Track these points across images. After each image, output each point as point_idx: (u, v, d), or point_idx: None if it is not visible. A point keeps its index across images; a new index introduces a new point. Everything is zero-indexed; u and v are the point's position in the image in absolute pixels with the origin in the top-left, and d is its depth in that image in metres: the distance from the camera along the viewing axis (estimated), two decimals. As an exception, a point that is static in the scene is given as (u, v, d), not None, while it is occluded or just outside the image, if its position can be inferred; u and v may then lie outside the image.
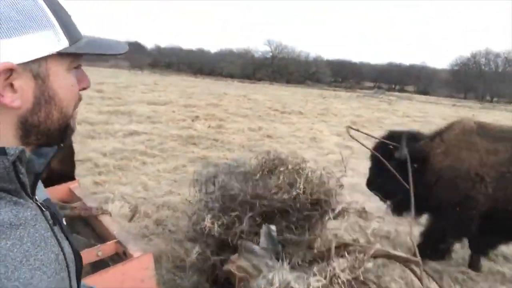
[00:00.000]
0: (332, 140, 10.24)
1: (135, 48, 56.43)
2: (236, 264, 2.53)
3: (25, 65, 0.60)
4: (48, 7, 0.62)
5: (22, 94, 0.62)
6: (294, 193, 2.54)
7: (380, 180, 3.72)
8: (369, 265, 2.02)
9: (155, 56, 57.23)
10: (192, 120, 11.28)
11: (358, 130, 3.76)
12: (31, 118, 0.64)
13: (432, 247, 3.53)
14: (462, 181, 3.36)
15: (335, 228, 2.97)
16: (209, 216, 2.88)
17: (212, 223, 2.81)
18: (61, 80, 0.66)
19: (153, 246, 3.81)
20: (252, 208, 2.75)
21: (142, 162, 6.81)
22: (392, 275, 2.81)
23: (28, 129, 0.65)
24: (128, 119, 10.58)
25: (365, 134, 3.72)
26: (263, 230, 2.58)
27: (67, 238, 0.77)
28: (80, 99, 0.73)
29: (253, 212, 2.74)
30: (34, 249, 0.63)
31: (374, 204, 4.65)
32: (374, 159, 3.81)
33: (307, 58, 55.29)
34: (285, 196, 2.59)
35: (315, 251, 2.58)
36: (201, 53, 57.61)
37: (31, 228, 0.64)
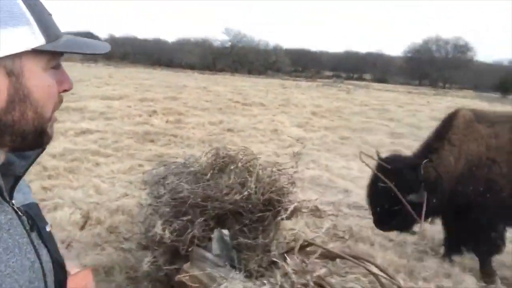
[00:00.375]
0: (293, 132, 10.22)
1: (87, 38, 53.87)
2: (189, 273, 2.38)
3: None
4: (24, 3, 0.60)
5: None
6: (246, 193, 2.41)
7: (393, 220, 3.48)
8: (322, 271, 1.92)
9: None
10: (149, 115, 10.88)
11: (371, 157, 3.56)
12: (4, 117, 0.62)
13: (487, 242, 3.52)
14: (479, 169, 3.43)
15: (291, 229, 2.87)
16: (160, 221, 2.70)
17: (164, 230, 2.64)
18: (37, 79, 0.63)
19: (105, 256, 3.58)
20: (204, 211, 2.59)
21: (94, 163, 6.44)
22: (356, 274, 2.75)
23: (1, 129, 0.62)
24: (80, 116, 10.04)
25: (380, 162, 3.49)
26: (215, 235, 2.43)
27: (46, 246, 0.74)
28: (60, 101, 0.70)
29: (205, 216, 2.58)
30: (5, 255, 0.61)
31: (332, 198, 4.64)
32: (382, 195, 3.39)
33: (266, 47, 55.20)
34: (237, 197, 2.44)
35: (273, 253, 2.46)
36: (157, 42, 55.60)
37: (4, 232, 0.62)
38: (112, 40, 55.71)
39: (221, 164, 2.70)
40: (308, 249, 2.52)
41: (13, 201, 0.69)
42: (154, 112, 11.39)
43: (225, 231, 2.48)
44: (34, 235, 0.70)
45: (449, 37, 57.87)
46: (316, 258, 2.08)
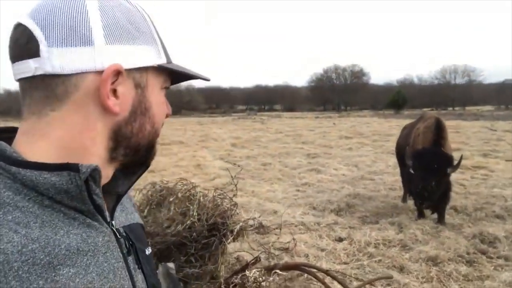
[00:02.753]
0: (216, 165, 10.30)
1: (-23, 96, 48.80)
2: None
3: (129, 72, 0.61)
4: (153, 25, 0.66)
5: (122, 101, 0.61)
6: (189, 222, 2.43)
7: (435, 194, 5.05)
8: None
9: (6, 103, 50.19)
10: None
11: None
12: (125, 128, 0.62)
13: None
14: None
15: (237, 251, 2.92)
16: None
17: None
18: (156, 95, 0.66)
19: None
20: (145, 248, 2.53)
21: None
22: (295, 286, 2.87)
23: (119, 140, 0.63)
24: None
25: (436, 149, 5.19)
26: (161, 270, 2.39)
27: (143, 271, 0.69)
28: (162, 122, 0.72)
29: (147, 252, 2.53)
30: (99, 281, 0.57)
31: (264, 220, 4.78)
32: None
33: (178, 87, 55.27)
34: (180, 228, 2.45)
35: (221, 279, 2.49)
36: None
37: (100, 256, 0.59)
38: (8, 96, 51.06)
39: (159, 198, 2.69)
40: (254, 268, 2.59)
41: (113, 222, 0.66)
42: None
43: (170, 264, 2.44)
44: (131, 259, 0.66)
45: (346, 65, 63.78)
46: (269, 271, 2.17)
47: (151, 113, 0.65)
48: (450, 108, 50.49)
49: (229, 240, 2.48)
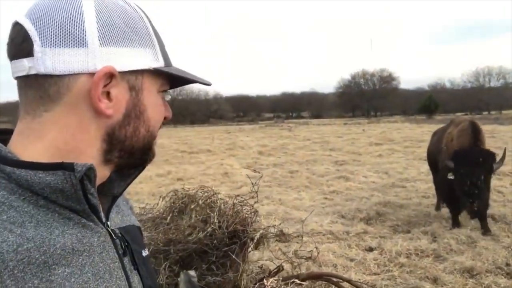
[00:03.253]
0: (243, 173, 10.27)
1: None
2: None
3: (123, 75, 0.61)
4: (152, 28, 0.65)
5: (116, 104, 0.61)
6: (210, 229, 2.39)
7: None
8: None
9: None
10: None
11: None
12: (118, 131, 0.62)
13: None
14: None
15: (259, 259, 2.86)
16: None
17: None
18: (152, 99, 0.65)
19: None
20: (166, 256, 2.51)
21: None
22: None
23: (113, 143, 0.62)
24: None
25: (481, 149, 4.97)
26: (182, 278, 2.36)
27: (139, 272, 0.69)
28: (161, 125, 0.71)
29: (168, 261, 2.51)
30: (95, 281, 0.57)
31: (291, 229, 4.69)
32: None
33: (206, 96, 56.17)
34: (201, 235, 2.42)
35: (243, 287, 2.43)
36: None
37: (96, 256, 0.59)
38: None
39: (181, 205, 2.67)
40: (277, 277, 2.52)
41: (108, 223, 0.66)
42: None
43: (192, 272, 2.41)
44: (126, 260, 0.67)
45: (374, 70, 62.73)
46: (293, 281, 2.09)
47: (146, 116, 0.64)
48: (485, 112, 48.49)
49: (250, 248, 2.41)
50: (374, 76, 62.08)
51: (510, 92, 51.29)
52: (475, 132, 5.06)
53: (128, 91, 0.61)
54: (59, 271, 0.53)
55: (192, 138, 21.60)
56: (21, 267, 0.50)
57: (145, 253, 0.74)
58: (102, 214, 0.64)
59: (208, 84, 0.72)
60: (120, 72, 0.59)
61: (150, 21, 0.65)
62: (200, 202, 2.58)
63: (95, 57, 0.57)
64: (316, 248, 2.72)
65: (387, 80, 61.68)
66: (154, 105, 0.65)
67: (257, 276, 2.66)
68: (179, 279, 2.38)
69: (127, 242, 0.68)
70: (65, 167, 0.55)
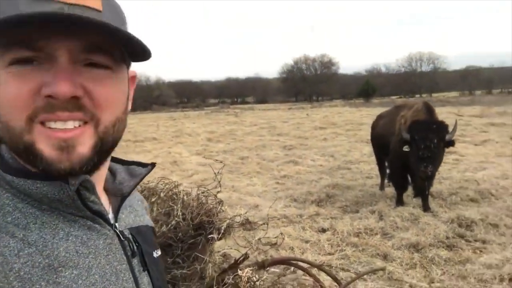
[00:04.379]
0: (193, 160, 10.14)
1: None
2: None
3: None
4: None
5: None
6: (173, 222, 2.33)
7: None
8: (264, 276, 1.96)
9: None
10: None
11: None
12: None
13: None
14: None
15: (223, 249, 2.85)
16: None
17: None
18: None
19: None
20: (128, 252, 2.41)
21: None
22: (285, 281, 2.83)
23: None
24: None
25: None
26: (147, 273, 2.28)
27: (149, 273, 0.67)
28: (49, 107, 0.50)
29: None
30: (101, 283, 0.57)
31: (252, 212, 4.73)
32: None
33: (148, 82, 54.13)
34: (164, 229, 2.35)
35: (207, 279, 2.41)
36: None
37: (102, 258, 0.58)
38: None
39: (140, 198, 2.56)
40: (242, 265, 2.52)
41: (116, 224, 0.64)
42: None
43: (157, 267, 2.34)
44: (135, 261, 0.65)
45: (315, 55, 64.30)
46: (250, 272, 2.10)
47: None
48: (418, 96, 51.96)
49: (215, 238, 2.39)
50: (315, 61, 63.65)
51: (439, 76, 55.40)
52: (430, 111, 5.44)
53: None
54: (66, 273, 0.53)
55: (135, 125, 20.77)
56: (26, 269, 0.50)
57: (156, 254, 0.72)
58: (109, 216, 0.63)
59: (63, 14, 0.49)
60: None
61: None
62: (162, 194, 2.50)
63: None
64: (282, 234, 2.77)
65: (327, 65, 63.57)
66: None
67: (221, 265, 2.65)
68: (143, 275, 2.29)
69: (137, 242, 0.67)
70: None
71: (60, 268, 0.53)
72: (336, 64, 63.92)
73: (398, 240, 4.43)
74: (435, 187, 6.31)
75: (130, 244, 0.65)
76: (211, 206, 2.43)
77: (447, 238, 4.43)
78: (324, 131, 15.33)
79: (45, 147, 0.52)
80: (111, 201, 0.68)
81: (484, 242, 4.34)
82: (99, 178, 0.63)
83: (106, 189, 0.68)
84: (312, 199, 6.22)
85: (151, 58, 0.61)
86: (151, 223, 0.78)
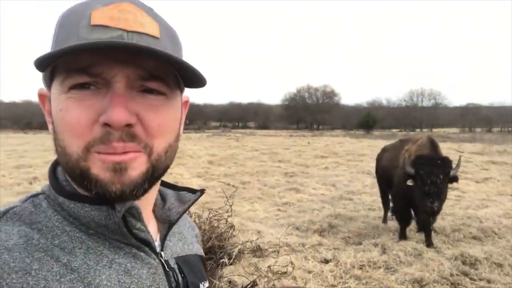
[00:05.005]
0: (194, 182, 10.12)
1: None
2: None
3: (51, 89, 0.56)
4: (55, 29, 0.55)
5: (51, 120, 0.57)
6: (184, 245, 2.31)
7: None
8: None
9: None
10: (30, 183, 9.63)
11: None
12: (55, 149, 0.56)
13: None
14: None
15: (229, 274, 2.81)
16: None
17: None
18: (55, 103, 0.54)
19: None
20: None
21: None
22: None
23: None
24: (31, 193, 8.34)
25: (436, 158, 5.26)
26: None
27: None
28: (107, 136, 0.51)
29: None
30: None
31: (254, 238, 4.68)
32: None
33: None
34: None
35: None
36: (28, 105, 50.73)
37: None
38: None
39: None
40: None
41: (162, 253, 0.63)
42: (35, 178, 10.14)
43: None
44: None
45: (318, 85, 65.16)
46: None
47: (56, 130, 0.54)
48: (418, 130, 52.30)
49: (226, 263, 2.37)
50: (317, 91, 64.50)
51: (440, 112, 55.91)
52: (434, 146, 5.49)
53: (49, 102, 0.57)
54: None
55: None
56: None
57: (203, 286, 0.70)
58: (156, 243, 0.62)
59: (131, 44, 0.52)
60: (47, 88, 0.58)
61: (60, 20, 0.55)
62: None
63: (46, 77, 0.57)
64: (292, 263, 2.75)
65: (329, 95, 64.38)
66: (55, 113, 0.54)
67: (228, 291, 2.61)
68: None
69: (183, 273, 0.65)
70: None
71: None
72: (338, 95, 64.95)
73: (401, 275, 4.37)
74: (438, 222, 6.27)
75: (175, 275, 0.63)
76: (223, 230, 2.42)
77: (451, 275, 4.37)
78: (326, 160, 15.36)
79: (100, 171, 0.52)
80: (159, 227, 0.67)
81: (489, 281, 4.28)
82: (147, 203, 0.61)
83: (155, 215, 0.66)
84: (314, 228, 6.17)
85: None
86: (200, 252, 0.76)
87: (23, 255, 0.49)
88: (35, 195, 0.59)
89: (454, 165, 5.20)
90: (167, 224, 0.66)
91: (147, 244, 0.59)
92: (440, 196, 4.94)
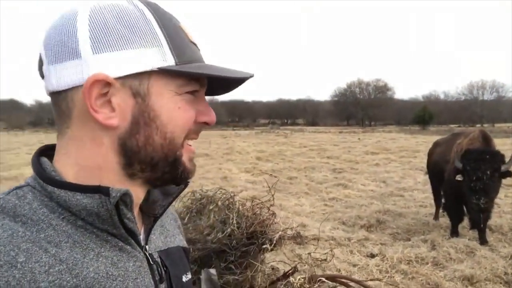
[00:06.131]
0: (242, 177, 10.39)
1: (12, 106, 51.34)
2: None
3: (124, 80, 0.56)
4: (159, 25, 0.58)
5: (120, 113, 0.56)
6: (229, 230, 2.48)
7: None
8: None
9: (36, 113, 52.73)
10: None
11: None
12: (129, 141, 0.57)
13: None
14: None
15: (272, 261, 2.95)
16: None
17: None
18: (166, 102, 0.58)
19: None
20: (185, 255, 2.59)
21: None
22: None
23: (128, 155, 0.58)
24: (14, 185, 9.30)
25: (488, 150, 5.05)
26: (203, 276, 2.44)
27: None
28: (196, 132, 0.64)
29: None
30: None
31: (304, 231, 4.78)
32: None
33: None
34: (220, 235, 2.51)
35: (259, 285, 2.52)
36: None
37: (130, 282, 0.57)
38: (40, 107, 53.52)
39: (199, 206, 2.76)
40: (292, 278, 2.61)
41: (147, 246, 0.64)
42: None
43: (212, 271, 2.49)
44: (163, 286, 0.64)
45: (369, 80, 63.31)
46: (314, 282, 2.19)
47: (160, 122, 0.58)
48: (478, 125, 49.10)
49: (268, 248, 2.51)
50: (369, 85, 62.65)
51: (503, 106, 52.09)
52: (487, 140, 5.26)
53: (132, 97, 0.57)
54: None
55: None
56: None
57: (186, 277, 0.71)
58: (141, 237, 0.63)
59: (250, 76, 0.64)
60: (119, 78, 0.55)
61: (157, 18, 0.59)
62: (219, 203, 2.67)
63: (89, 66, 0.54)
64: (332, 250, 2.83)
65: (382, 90, 62.27)
66: (172, 109, 0.59)
67: (270, 277, 2.75)
68: (200, 276, 2.46)
69: (165, 266, 0.66)
70: (101, 190, 0.54)
71: None
72: (391, 89, 62.61)
73: (451, 272, 4.25)
74: (495, 220, 5.97)
75: (159, 268, 0.64)
76: (265, 217, 2.56)
77: (505, 274, 4.18)
78: (376, 156, 14.99)
79: (185, 160, 0.63)
80: (144, 220, 0.67)
81: (548, 282, 4.05)
82: (136, 196, 0.62)
83: (140, 208, 0.67)
84: (361, 223, 6.14)
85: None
86: (183, 243, 0.77)
87: (7, 248, 0.49)
88: (20, 187, 0.57)
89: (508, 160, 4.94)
90: (152, 218, 0.67)
91: (134, 235, 0.60)
92: (487, 193, 4.73)
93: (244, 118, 61.46)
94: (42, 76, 0.59)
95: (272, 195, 2.72)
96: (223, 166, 12.36)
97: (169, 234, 0.73)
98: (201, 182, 9.82)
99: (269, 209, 2.64)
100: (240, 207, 2.63)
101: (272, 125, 52.19)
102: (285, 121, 62.54)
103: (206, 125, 0.64)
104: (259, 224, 2.48)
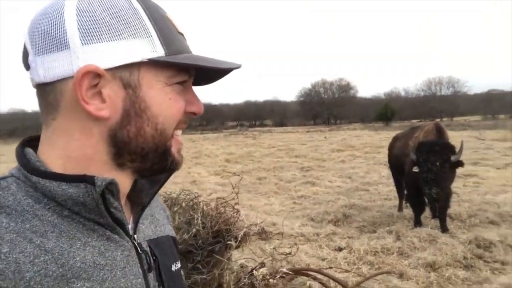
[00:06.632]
0: (212, 180, 10.33)
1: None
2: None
3: (114, 72, 0.56)
4: (147, 15, 0.58)
5: (111, 104, 0.56)
6: (194, 230, 2.47)
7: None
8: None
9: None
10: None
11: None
12: (120, 132, 0.57)
13: None
14: None
15: (240, 258, 2.95)
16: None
17: None
18: (156, 93, 0.58)
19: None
20: (151, 258, 2.55)
21: None
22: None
23: (118, 145, 0.58)
24: None
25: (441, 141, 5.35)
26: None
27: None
28: (185, 122, 0.63)
29: (153, 263, 2.55)
30: None
31: (269, 229, 4.81)
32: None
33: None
34: (185, 236, 2.49)
35: (225, 286, 2.52)
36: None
37: (118, 271, 0.57)
38: (-3, 117, 51.17)
39: (163, 208, 2.72)
40: (256, 273, 2.63)
41: (135, 236, 0.63)
42: None
43: (178, 272, 2.47)
44: (151, 275, 0.63)
45: (333, 79, 64.65)
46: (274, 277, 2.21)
47: (150, 113, 0.58)
48: (438, 119, 51.24)
49: (233, 246, 2.52)
50: (333, 85, 63.97)
51: (459, 100, 54.69)
52: (440, 132, 5.54)
53: (122, 89, 0.56)
54: (78, 285, 0.52)
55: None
56: (37, 279, 0.49)
57: (175, 267, 0.71)
58: (129, 227, 0.62)
59: (238, 67, 0.63)
60: (109, 69, 0.55)
61: (145, 8, 0.58)
62: (183, 204, 2.65)
63: (78, 58, 0.54)
64: (296, 244, 2.87)
65: (345, 89, 63.73)
66: (162, 100, 0.59)
67: (239, 274, 2.75)
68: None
69: (154, 256, 0.65)
70: (86, 180, 0.54)
71: (72, 279, 0.51)
72: (354, 88, 64.10)
73: (415, 260, 4.42)
74: (454, 209, 6.25)
75: (147, 258, 0.63)
76: (229, 215, 2.56)
77: (465, 258, 4.39)
78: (342, 153, 15.34)
79: (174, 151, 0.63)
80: (132, 209, 0.67)
81: (503, 263, 4.28)
82: (123, 185, 0.62)
83: (128, 197, 0.66)
84: (329, 218, 6.26)
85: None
86: (172, 233, 0.77)
87: None
88: (3, 178, 0.56)
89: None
90: (140, 207, 0.67)
91: (121, 225, 0.59)
92: (438, 183, 4.98)
93: (212, 121, 61.13)
94: (27, 68, 0.58)
95: (236, 194, 2.72)
96: (192, 170, 12.24)
97: (159, 223, 0.73)
98: (170, 187, 9.69)
99: (233, 208, 2.65)
100: (205, 207, 2.62)
101: (240, 127, 52.21)
102: (253, 122, 62.77)
103: (194, 115, 0.64)
104: (224, 223, 2.48)
